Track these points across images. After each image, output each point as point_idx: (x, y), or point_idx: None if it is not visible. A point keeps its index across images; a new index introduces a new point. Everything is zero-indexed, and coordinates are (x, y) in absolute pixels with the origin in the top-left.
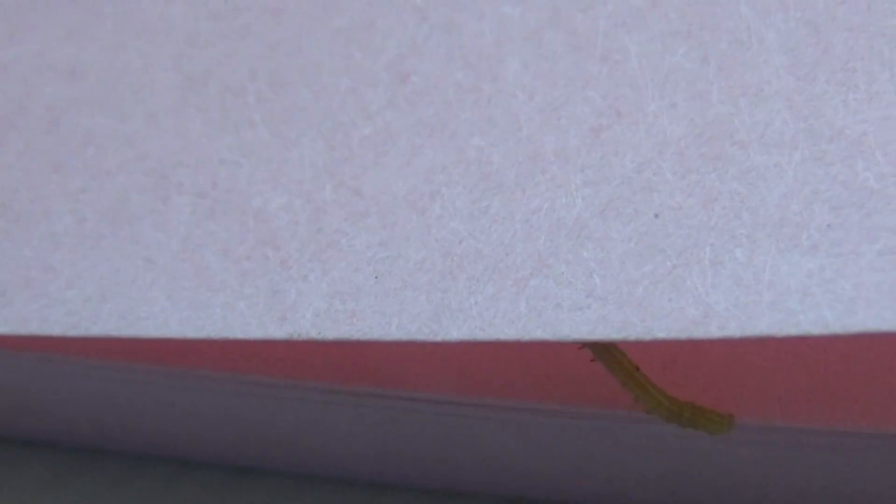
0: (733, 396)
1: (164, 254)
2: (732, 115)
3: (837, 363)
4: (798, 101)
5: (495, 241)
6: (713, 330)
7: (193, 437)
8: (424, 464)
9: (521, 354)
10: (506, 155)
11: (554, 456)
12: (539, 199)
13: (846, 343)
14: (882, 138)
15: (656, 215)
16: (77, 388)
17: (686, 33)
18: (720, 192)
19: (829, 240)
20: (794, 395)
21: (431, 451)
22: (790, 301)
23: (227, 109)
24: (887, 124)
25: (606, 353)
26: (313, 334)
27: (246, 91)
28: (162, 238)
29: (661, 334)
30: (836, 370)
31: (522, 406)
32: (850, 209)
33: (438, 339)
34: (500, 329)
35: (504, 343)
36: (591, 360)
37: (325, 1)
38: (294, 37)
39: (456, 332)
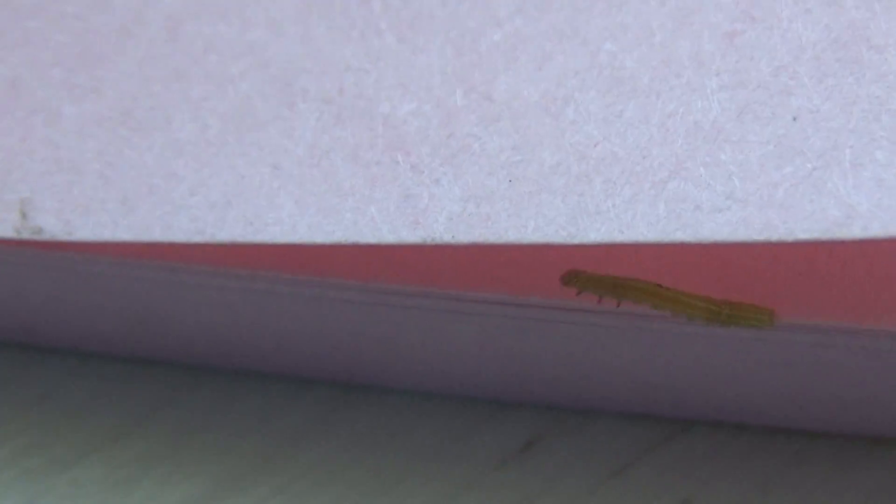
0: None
1: (291, 160)
2: (868, 21)
3: None
4: None
5: (631, 144)
6: (856, 231)
7: (316, 352)
8: (553, 376)
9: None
10: (639, 60)
11: (682, 367)
12: (675, 102)
13: None
14: None
15: (794, 118)
16: (200, 299)
17: None
18: (858, 96)
19: None
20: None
21: (557, 365)
22: None
23: (352, 16)
24: None
25: (615, 286)
26: (447, 238)
27: None
28: (288, 144)
29: (803, 235)
30: None
31: (655, 314)
32: None
33: (576, 241)
34: (639, 231)
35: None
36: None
37: None
38: None
39: (594, 234)
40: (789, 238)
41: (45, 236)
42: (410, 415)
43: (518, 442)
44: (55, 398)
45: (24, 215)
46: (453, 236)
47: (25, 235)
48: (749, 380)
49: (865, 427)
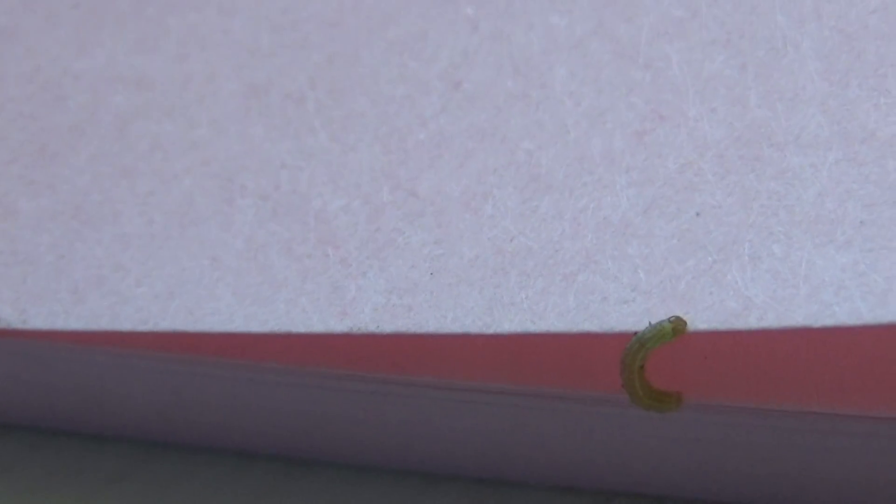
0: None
1: (229, 253)
2: (770, 119)
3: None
4: (832, 105)
5: (545, 238)
6: (752, 321)
7: (256, 429)
8: (478, 453)
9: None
10: (554, 157)
11: (601, 443)
12: (586, 198)
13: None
14: None
15: (697, 214)
16: (145, 382)
17: (725, 41)
18: (758, 192)
19: (862, 236)
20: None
21: (484, 441)
22: (825, 293)
23: (288, 116)
24: None
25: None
26: (372, 328)
27: (306, 98)
28: (227, 238)
29: (703, 325)
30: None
31: (572, 395)
32: (882, 206)
33: (491, 331)
34: (550, 321)
35: (553, 335)
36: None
37: (381, 13)
38: (351, 47)
39: (508, 324)
40: (689, 328)
41: (2, 325)
42: (345, 487)
43: None
44: (15, 471)
45: None
46: (378, 326)
47: None
48: (666, 455)
49: (775, 500)
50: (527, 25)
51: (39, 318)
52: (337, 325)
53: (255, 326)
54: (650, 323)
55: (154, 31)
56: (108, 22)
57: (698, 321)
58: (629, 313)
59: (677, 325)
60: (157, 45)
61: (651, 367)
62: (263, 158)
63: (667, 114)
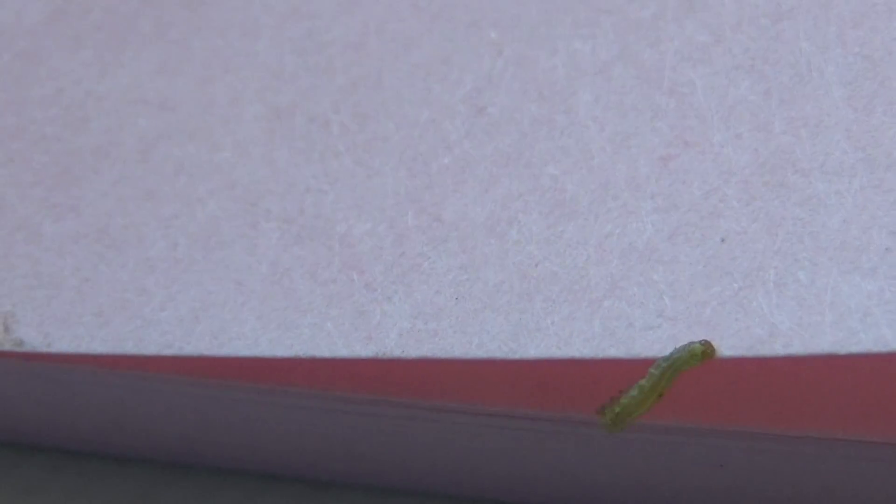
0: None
1: (254, 277)
2: (794, 145)
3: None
4: (856, 132)
5: (570, 264)
6: (778, 348)
7: (279, 452)
8: (503, 478)
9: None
10: (579, 183)
11: (625, 469)
12: (611, 224)
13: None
14: None
15: (723, 240)
16: (169, 405)
17: (749, 67)
18: (783, 218)
19: (887, 263)
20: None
21: (509, 466)
22: (851, 321)
23: (313, 140)
24: None
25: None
26: (397, 353)
27: (330, 122)
28: (251, 262)
29: (728, 352)
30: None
31: (597, 421)
32: None
33: (517, 356)
34: (576, 347)
35: (578, 361)
36: None
37: (405, 37)
38: (375, 71)
39: (534, 350)
40: (715, 355)
41: (26, 348)
42: None
43: None
44: (39, 493)
45: (6, 328)
46: (403, 351)
47: (7, 347)
48: (690, 480)
49: None
50: (551, 50)
51: (64, 341)
52: (362, 350)
53: (280, 351)
54: (675, 347)
55: (178, 53)
56: (131, 44)
57: (724, 347)
58: (655, 339)
59: (707, 348)
60: (181, 67)
61: (676, 392)
62: (288, 182)
63: (691, 140)
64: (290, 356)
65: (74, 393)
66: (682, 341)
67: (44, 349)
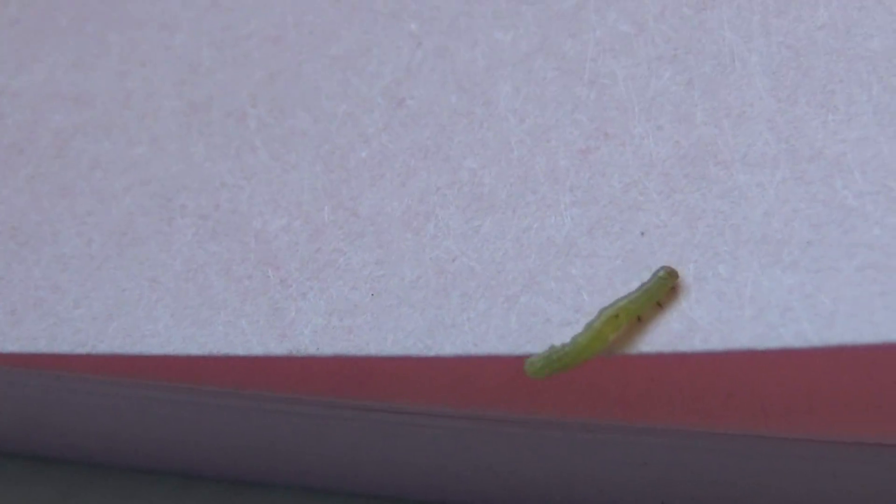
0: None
1: (168, 274)
2: (716, 137)
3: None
4: (779, 123)
5: (487, 259)
6: (696, 343)
7: (198, 451)
8: (422, 476)
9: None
10: (497, 176)
11: (545, 466)
12: (529, 218)
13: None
14: (860, 158)
15: (642, 233)
16: (84, 404)
17: (671, 58)
18: (704, 211)
19: (808, 256)
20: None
21: (427, 463)
22: (771, 315)
23: (229, 134)
24: (865, 144)
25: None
26: (312, 350)
27: (247, 116)
28: (166, 259)
29: (646, 348)
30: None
31: (515, 418)
32: (829, 226)
33: (432, 353)
34: (492, 344)
35: (495, 357)
36: None
37: (323, 29)
38: (293, 64)
39: (449, 346)
40: (633, 350)
41: None
42: None
43: None
44: None
45: None
46: (318, 348)
47: None
48: (611, 477)
49: None
50: (471, 42)
51: None
52: (276, 348)
53: (194, 349)
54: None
55: (94, 47)
56: (47, 38)
57: (641, 343)
58: (572, 335)
59: (670, 269)
60: (97, 62)
61: (593, 389)
62: (203, 177)
63: (612, 131)
64: (204, 354)
65: None
66: None
67: None
